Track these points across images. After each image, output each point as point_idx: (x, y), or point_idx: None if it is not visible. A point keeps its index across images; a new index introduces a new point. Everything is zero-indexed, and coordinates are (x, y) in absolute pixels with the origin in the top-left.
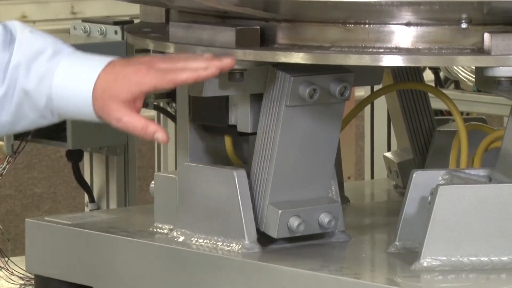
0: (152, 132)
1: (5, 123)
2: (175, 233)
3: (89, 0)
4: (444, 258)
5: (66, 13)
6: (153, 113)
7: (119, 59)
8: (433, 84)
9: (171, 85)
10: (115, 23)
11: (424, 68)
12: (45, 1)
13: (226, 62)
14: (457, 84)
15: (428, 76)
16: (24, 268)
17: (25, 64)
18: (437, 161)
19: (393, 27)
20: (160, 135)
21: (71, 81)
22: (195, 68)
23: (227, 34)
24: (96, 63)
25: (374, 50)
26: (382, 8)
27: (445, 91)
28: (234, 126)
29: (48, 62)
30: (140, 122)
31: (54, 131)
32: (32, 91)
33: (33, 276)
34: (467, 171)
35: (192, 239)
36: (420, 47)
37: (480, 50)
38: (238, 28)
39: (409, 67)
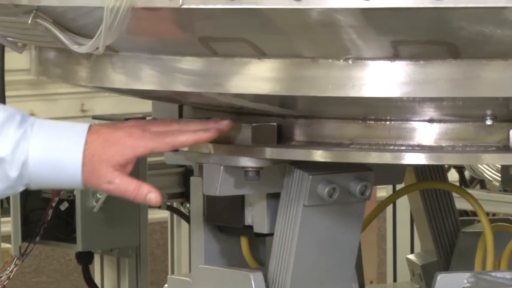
0: (145, 193)
1: None
2: None
3: (99, 97)
4: None
5: (75, 110)
6: (166, 214)
7: (101, 124)
8: (457, 184)
9: (169, 147)
10: (126, 120)
11: (449, 167)
12: (54, 98)
13: (224, 125)
14: (483, 183)
15: (453, 175)
16: None
17: None
18: (462, 264)
19: (415, 124)
20: (153, 196)
21: (53, 146)
22: (193, 129)
23: (243, 131)
24: (77, 128)
25: (396, 148)
26: (404, 104)
27: (470, 191)
28: (250, 227)
29: (19, 128)
30: (132, 183)
31: (63, 233)
32: (7, 157)
33: None
34: (493, 274)
35: None
36: (443, 144)
37: (505, 147)
38: (254, 124)
39: (432, 166)
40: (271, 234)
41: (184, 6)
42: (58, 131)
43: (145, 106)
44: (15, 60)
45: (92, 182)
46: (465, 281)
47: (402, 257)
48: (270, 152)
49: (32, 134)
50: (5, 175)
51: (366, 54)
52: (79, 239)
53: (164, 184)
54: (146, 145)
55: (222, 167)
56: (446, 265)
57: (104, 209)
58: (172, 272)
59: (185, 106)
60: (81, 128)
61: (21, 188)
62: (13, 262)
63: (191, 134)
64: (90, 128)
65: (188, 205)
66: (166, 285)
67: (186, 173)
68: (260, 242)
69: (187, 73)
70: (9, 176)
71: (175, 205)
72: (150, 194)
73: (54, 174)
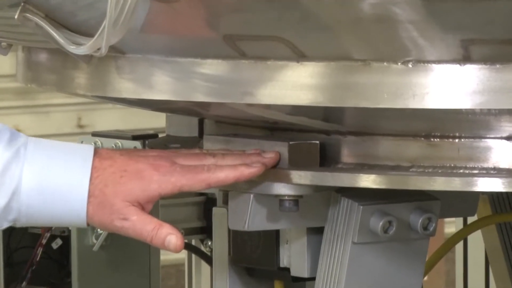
0: (165, 235)
1: None
2: None
3: (100, 109)
4: None
5: (71, 126)
6: (183, 254)
7: (112, 149)
8: None
9: (203, 186)
10: (134, 138)
11: None
12: (45, 111)
13: (271, 158)
14: None
15: None
16: None
17: None
18: None
19: (490, 142)
20: (173, 239)
21: (52, 171)
22: (233, 164)
23: (278, 151)
24: (81, 150)
25: (467, 171)
26: (476, 117)
27: None
28: (287, 269)
29: (9, 147)
30: (151, 222)
31: (56, 277)
32: None
33: None
34: None
35: None
36: None
37: None
38: (291, 143)
39: None
40: (313, 279)
41: None
42: (58, 152)
43: (158, 120)
44: None
45: (101, 217)
46: None
47: None
48: (311, 177)
49: (26, 155)
50: None
51: (430, 56)
52: (75, 285)
53: (180, 217)
54: (176, 182)
55: (252, 196)
56: None
57: (106, 248)
58: None
59: (207, 121)
60: (86, 150)
61: (6, 225)
62: None
63: (230, 170)
64: (98, 151)
65: (210, 243)
66: None
67: (207, 203)
68: None
69: (209, 79)
70: None
71: (193, 242)
72: (170, 236)
73: (52, 206)
